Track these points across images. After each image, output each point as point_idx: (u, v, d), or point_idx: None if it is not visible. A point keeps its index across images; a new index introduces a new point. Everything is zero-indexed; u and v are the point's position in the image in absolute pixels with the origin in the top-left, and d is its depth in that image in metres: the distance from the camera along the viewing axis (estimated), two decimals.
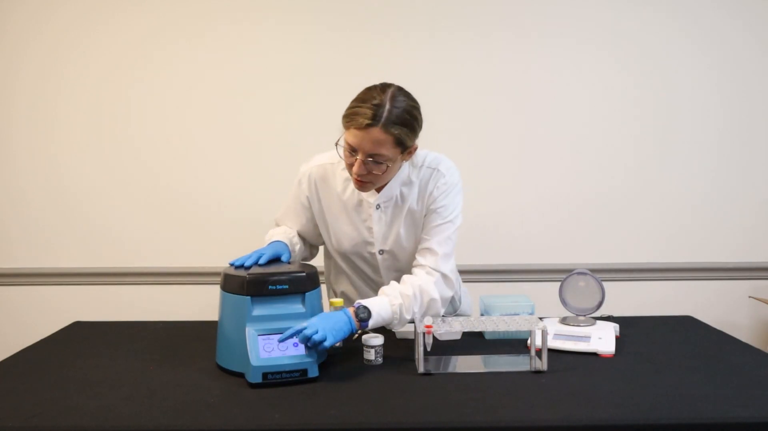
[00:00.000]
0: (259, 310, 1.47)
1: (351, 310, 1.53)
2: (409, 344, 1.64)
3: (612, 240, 2.62)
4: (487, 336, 1.76)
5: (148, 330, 1.85)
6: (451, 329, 1.51)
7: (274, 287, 1.48)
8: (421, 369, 1.48)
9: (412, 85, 1.65)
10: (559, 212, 2.61)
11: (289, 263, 1.67)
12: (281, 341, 1.43)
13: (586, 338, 1.63)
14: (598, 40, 2.55)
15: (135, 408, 1.29)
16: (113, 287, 2.63)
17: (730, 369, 1.49)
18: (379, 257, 1.78)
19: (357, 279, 1.86)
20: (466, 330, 1.56)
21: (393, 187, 1.71)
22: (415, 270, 1.69)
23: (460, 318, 1.60)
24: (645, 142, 2.60)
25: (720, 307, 2.65)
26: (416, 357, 1.51)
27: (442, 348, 1.66)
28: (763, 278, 2.65)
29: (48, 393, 1.37)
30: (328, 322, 1.47)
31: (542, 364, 1.48)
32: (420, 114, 1.61)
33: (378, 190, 1.72)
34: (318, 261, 1.90)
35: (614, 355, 1.59)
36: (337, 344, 1.58)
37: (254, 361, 1.40)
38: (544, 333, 1.47)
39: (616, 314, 1.93)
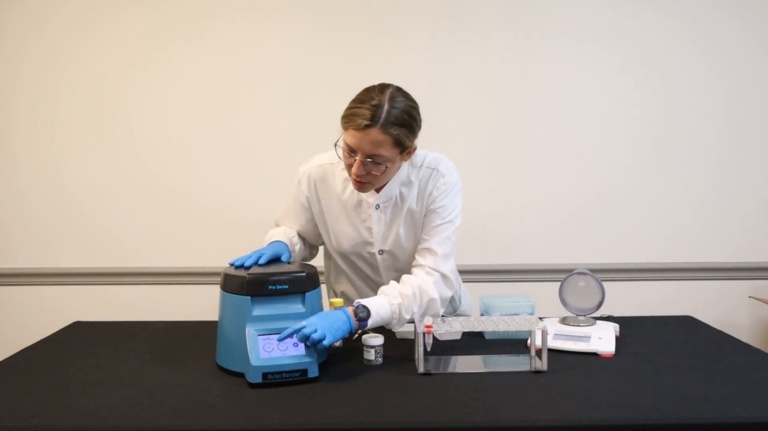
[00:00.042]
0: (259, 310, 1.47)
1: (350, 309, 1.53)
2: (409, 344, 1.64)
3: (612, 240, 2.62)
4: (487, 336, 1.76)
5: (148, 330, 1.85)
6: (451, 329, 1.51)
7: (274, 287, 1.48)
8: (421, 369, 1.48)
9: (412, 85, 1.65)
10: (559, 212, 2.61)
11: (289, 263, 1.67)
12: (280, 340, 1.43)
13: (586, 338, 1.63)
14: (598, 40, 2.55)
15: (135, 408, 1.29)
16: (113, 287, 2.63)
17: (730, 369, 1.49)
18: (378, 257, 1.78)
19: (357, 280, 1.86)
20: (466, 330, 1.56)
21: (392, 187, 1.71)
22: (414, 270, 1.69)
23: (460, 318, 1.60)
24: (645, 142, 2.60)
25: (720, 307, 2.65)
26: (416, 357, 1.51)
27: (442, 348, 1.66)
28: (763, 278, 2.65)
29: (48, 393, 1.37)
30: (327, 321, 1.47)
31: (542, 364, 1.48)
32: (419, 114, 1.61)
33: (377, 190, 1.72)
34: (318, 261, 1.90)
35: (614, 355, 1.59)
36: (337, 344, 1.59)
37: (254, 361, 1.40)
38: (544, 333, 1.47)
39: (616, 314, 1.93)
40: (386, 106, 1.53)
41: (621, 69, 2.56)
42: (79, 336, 1.81)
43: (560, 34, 2.55)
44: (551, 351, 1.56)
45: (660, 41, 2.56)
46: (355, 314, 1.52)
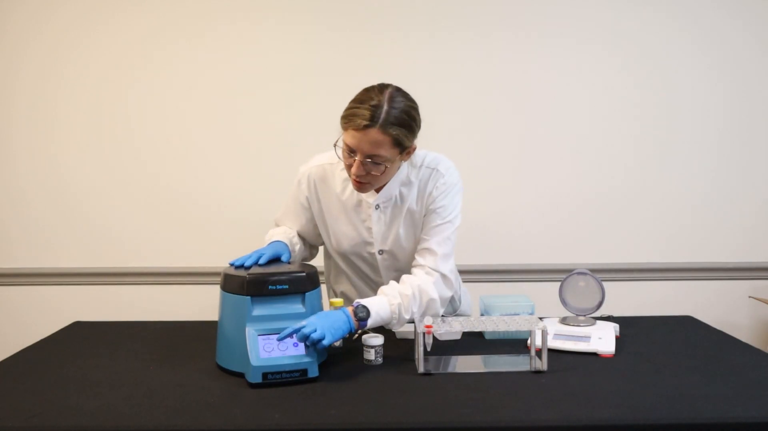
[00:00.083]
0: (259, 310, 1.47)
1: (350, 309, 1.53)
2: (409, 344, 1.64)
3: (612, 240, 2.62)
4: (487, 336, 1.76)
5: (148, 330, 1.85)
6: (451, 329, 1.51)
7: (274, 287, 1.48)
8: (421, 369, 1.48)
9: (412, 85, 1.65)
10: (559, 212, 2.61)
11: (289, 263, 1.67)
12: (279, 339, 1.43)
13: (586, 338, 1.63)
14: (598, 40, 2.55)
15: (135, 408, 1.29)
16: (113, 287, 2.63)
17: (730, 369, 1.49)
18: (378, 257, 1.78)
19: (357, 280, 1.86)
20: (466, 330, 1.56)
21: (392, 187, 1.71)
22: (414, 270, 1.69)
23: (460, 318, 1.60)
24: (645, 142, 2.60)
25: (720, 307, 2.65)
26: (416, 357, 1.51)
27: (442, 348, 1.66)
28: (763, 278, 2.65)
29: (48, 393, 1.37)
30: (327, 321, 1.47)
31: (542, 364, 1.48)
32: (418, 114, 1.61)
33: (377, 191, 1.72)
34: (318, 261, 1.90)
35: (614, 355, 1.59)
36: (337, 344, 1.59)
37: (254, 361, 1.40)
38: (544, 333, 1.47)
39: (616, 314, 1.93)
40: (385, 106, 1.53)
41: (621, 69, 2.56)
42: (79, 336, 1.81)
43: (560, 34, 2.55)
44: (551, 351, 1.56)
45: (660, 41, 2.56)
46: (355, 314, 1.52)
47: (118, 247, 2.61)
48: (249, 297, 1.46)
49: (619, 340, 1.68)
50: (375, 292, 1.68)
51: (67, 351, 1.68)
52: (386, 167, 1.59)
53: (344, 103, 1.59)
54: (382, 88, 1.58)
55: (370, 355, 1.54)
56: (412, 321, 1.62)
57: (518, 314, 1.73)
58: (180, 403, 1.31)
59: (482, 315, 1.83)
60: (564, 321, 1.73)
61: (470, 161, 2.49)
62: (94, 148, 2.57)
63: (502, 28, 2.54)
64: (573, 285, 1.75)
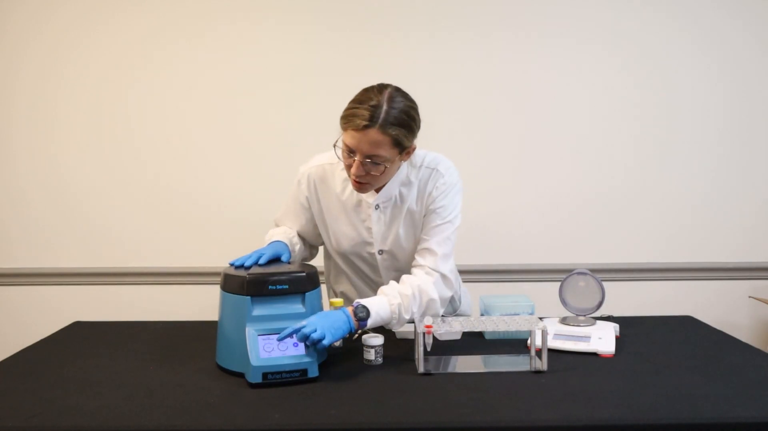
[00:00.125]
0: (259, 310, 1.47)
1: (350, 309, 1.53)
2: (409, 344, 1.64)
3: (612, 240, 2.62)
4: (487, 336, 1.76)
5: (148, 330, 1.85)
6: (451, 329, 1.51)
7: (274, 287, 1.48)
8: (421, 369, 1.48)
9: (412, 85, 1.65)
10: (559, 212, 2.61)
11: (289, 263, 1.67)
12: (279, 339, 1.43)
13: (586, 338, 1.63)
14: (598, 40, 2.55)
15: (135, 408, 1.29)
16: (113, 287, 2.63)
17: (730, 369, 1.49)
18: (378, 257, 1.78)
19: (357, 280, 1.86)
20: (466, 330, 1.56)
21: (392, 188, 1.71)
22: (414, 270, 1.69)
23: (460, 318, 1.60)
24: (645, 142, 2.60)
25: (720, 307, 2.65)
26: (416, 357, 1.51)
27: (442, 348, 1.66)
28: (763, 278, 2.65)
29: (48, 393, 1.37)
30: (327, 321, 1.47)
31: (542, 364, 1.48)
32: (418, 114, 1.61)
33: (377, 191, 1.72)
34: (318, 261, 1.90)
35: (614, 355, 1.59)
36: (337, 344, 1.59)
37: (254, 361, 1.40)
38: (544, 333, 1.47)
39: (616, 314, 1.93)
40: (385, 107, 1.53)
41: (621, 69, 2.56)
42: (79, 336, 1.81)
43: (560, 34, 2.55)
44: (551, 351, 1.56)
45: (660, 41, 2.56)
46: (355, 314, 1.52)
47: (118, 247, 2.61)
48: (249, 297, 1.46)
49: (619, 340, 1.68)
50: (375, 292, 1.68)
51: (67, 351, 1.68)
52: (386, 167, 1.59)
53: (344, 103, 1.59)
54: (381, 88, 1.57)
55: (370, 355, 1.54)
56: (412, 321, 1.62)
57: (518, 314, 1.73)
58: (180, 403, 1.31)
59: (482, 315, 1.83)
60: (564, 321, 1.73)
61: (470, 161, 2.49)
62: (94, 148, 2.57)
63: (502, 28, 2.54)
64: (573, 285, 1.75)
